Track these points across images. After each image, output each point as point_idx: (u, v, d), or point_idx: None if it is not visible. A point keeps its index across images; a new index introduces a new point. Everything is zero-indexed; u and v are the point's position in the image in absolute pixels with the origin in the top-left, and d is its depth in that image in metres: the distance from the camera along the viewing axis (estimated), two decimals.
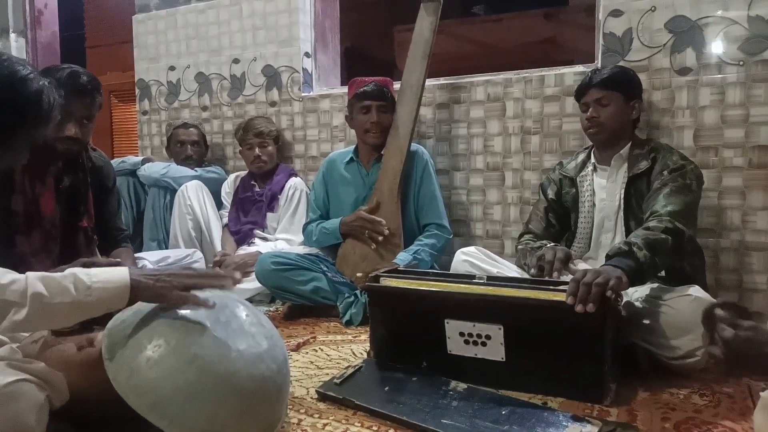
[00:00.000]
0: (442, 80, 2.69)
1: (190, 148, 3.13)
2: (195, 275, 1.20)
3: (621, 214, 1.93)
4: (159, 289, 1.13)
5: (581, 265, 1.84)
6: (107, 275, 1.12)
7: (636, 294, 1.74)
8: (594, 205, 2.00)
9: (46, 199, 1.80)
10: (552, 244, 1.94)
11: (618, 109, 1.95)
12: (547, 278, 1.71)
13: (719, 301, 1.35)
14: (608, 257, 1.61)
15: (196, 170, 3.06)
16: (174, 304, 1.15)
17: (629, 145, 1.97)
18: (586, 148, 2.12)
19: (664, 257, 1.64)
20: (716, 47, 2.16)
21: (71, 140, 1.77)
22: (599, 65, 2.33)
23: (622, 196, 1.92)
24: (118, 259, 1.86)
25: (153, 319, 1.15)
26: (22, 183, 1.75)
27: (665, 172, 1.82)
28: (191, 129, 3.17)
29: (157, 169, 3.01)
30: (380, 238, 2.39)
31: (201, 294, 1.19)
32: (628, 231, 1.88)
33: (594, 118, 1.96)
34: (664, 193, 1.77)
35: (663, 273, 1.76)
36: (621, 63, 2.08)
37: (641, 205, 1.86)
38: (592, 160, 2.05)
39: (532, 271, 1.80)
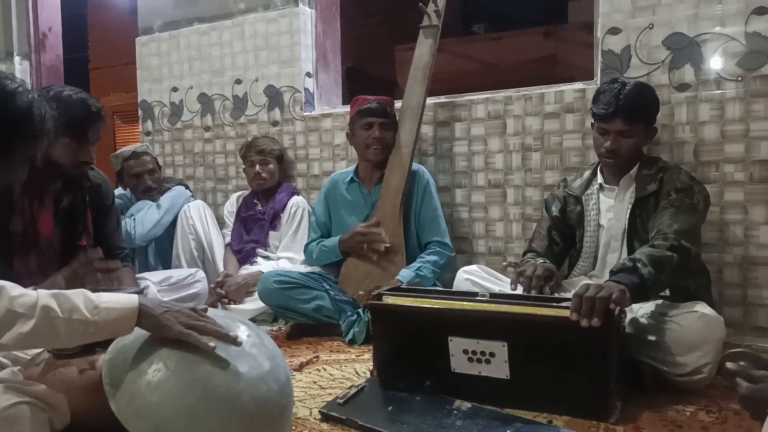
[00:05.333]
0: (443, 98, 2.71)
1: (149, 179, 2.92)
2: (202, 320, 1.17)
3: (627, 234, 1.91)
4: (163, 320, 1.12)
5: (583, 282, 1.84)
6: (116, 298, 1.12)
7: (641, 311, 1.73)
8: (599, 224, 1.98)
9: (45, 219, 1.81)
10: (541, 261, 1.92)
11: (638, 140, 1.90)
12: (525, 293, 1.72)
13: (730, 353, 1.34)
14: (612, 273, 1.61)
15: (158, 205, 2.86)
16: (173, 337, 1.13)
17: (638, 165, 1.93)
18: (592, 165, 2.09)
19: (669, 275, 1.63)
20: (714, 63, 2.17)
21: (88, 164, 1.82)
22: (598, 82, 2.35)
23: (628, 216, 1.90)
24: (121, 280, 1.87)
25: (153, 343, 1.14)
26: (21, 204, 1.75)
27: (672, 192, 1.81)
28: (144, 157, 2.92)
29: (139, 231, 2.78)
30: (382, 247, 2.38)
31: None
32: (632, 252, 1.86)
33: (614, 150, 1.88)
34: (670, 212, 1.76)
35: (667, 292, 1.75)
36: (621, 79, 2.05)
37: (645, 226, 1.85)
38: (599, 180, 2.01)
39: (511, 286, 1.81)
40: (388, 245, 2.39)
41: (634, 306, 1.69)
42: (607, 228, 1.96)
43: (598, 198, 2.00)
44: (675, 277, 1.67)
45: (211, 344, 1.12)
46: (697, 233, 1.81)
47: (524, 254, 2.10)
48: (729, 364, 1.26)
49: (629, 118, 1.85)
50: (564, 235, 2.06)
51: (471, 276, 2.06)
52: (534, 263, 1.85)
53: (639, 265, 1.58)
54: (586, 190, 2.03)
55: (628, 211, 1.90)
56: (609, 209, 1.97)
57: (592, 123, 1.99)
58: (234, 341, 1.15)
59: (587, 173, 2.06)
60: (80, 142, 1.74)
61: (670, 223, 1.73)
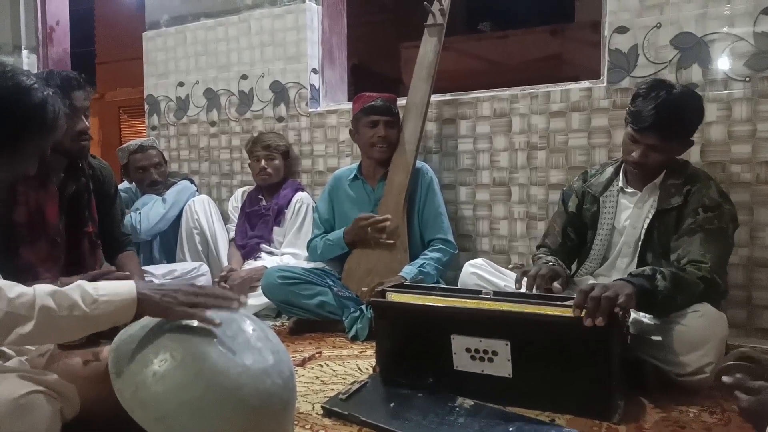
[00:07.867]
0: (449, 96, 2.71)
1: (155, 172, 2.96)
2: (201, 293, 1.18)
3: (641, 244, 1.84)
4: (164, 304, 1.13)
5: (589, 281, 1.83)
6: (114, 288, 1.12)
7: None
8: (613, 227, 1.91)
9: (51, 207, 1.82)
10: (549, 260, 1.90)
11: (670, 155, 1.80)
12: (526, 291, 1.73)
13: (726, 365, 1.33)
14: (630, 275, 1.58)
15: (164, 199, 2.89)
16: (178, 318, 1.14)
17: (664, 172, 1.82)
18: (615, 161, 2.00)
19: (687, 298, 1.60)
20: (722, 63, 2.16)
21: (85, 134, 1.82)
22: (605, 82, 2.34)
23: (646, 227, 1.83)
24: (127, 272, 1.88)
25: (160, 333, 1.14)
26: (25, 193, 1.77)
27: (700, 211, 1.72)
28: (150, 151, 2.97)
29: (145, 226, 2.81)
30: (387, 227, 2.37)
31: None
32: (642, 261, 1.82)
33: (641, 163, 1.78)
34: (701, 238, 1.69)
35: None
36: (667, 84, 1.79)
37: (662, 239, 1.79)
38: (620, 182, 1.91)
39: (516, 285, 1.80)
40: (390, 222, 2.37)
41: None
42: (621, 232, 1.90)
43: (617, 200, 1.91)
44: (691, 302, 1.62)
45: (217, 321, 1.13)
46: (726, 260, 1.77)
47: (538, 248, 2.09)
48: (725, 378, 1.24)
49: (664, 135, 1.73)
50: (579, 232, 2.01)
51: (477, 270, 2.05)
52: (540, 264, 1.85)
53: (658, 275, 1.55)
54: (605, 191, 1.94)
55: (647, 221, 1.83)
56: (627, 214, 1.89)
57: (625, 119, 1.84)
58: (238, 301, 1.18)
59: (609, 171, 1.96)
60: (69, 111, 1.70)
61: (703, 252, 1.67)
